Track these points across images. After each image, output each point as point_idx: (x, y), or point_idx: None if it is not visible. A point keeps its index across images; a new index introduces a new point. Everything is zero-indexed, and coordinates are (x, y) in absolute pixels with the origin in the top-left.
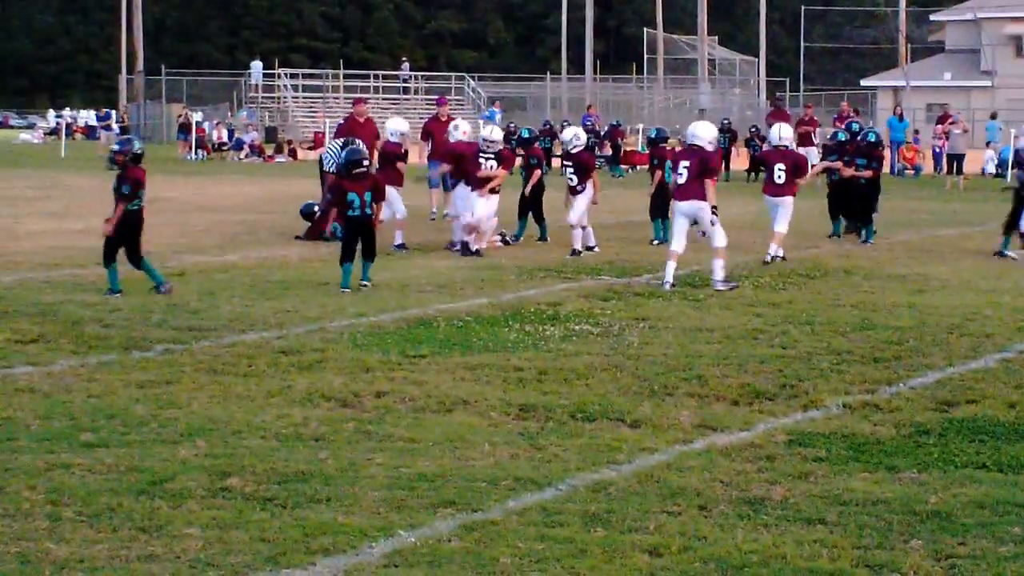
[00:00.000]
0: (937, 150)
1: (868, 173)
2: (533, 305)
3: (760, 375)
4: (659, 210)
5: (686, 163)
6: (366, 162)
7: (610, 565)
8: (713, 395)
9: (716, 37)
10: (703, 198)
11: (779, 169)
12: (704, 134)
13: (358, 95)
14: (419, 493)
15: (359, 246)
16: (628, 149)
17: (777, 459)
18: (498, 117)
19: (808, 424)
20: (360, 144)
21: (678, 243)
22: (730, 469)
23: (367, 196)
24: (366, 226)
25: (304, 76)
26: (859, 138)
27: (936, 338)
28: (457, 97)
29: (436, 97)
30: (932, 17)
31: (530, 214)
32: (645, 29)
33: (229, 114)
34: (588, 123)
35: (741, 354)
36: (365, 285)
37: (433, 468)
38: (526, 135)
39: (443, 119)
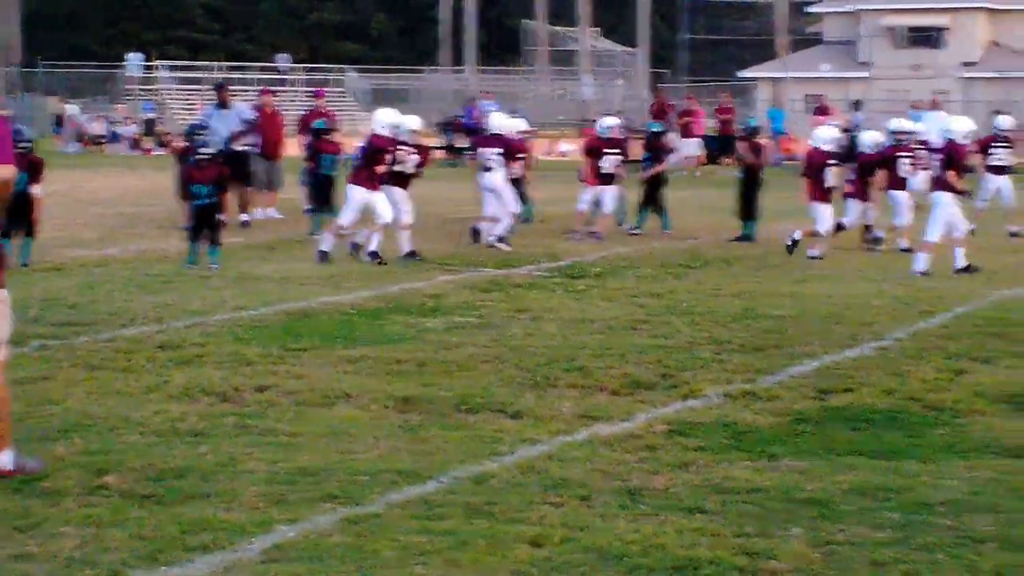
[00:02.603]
0: None
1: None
2: (416, 297)
3: (641, 365)
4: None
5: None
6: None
7: (492, 557)
8: (595, 386)
9: (599, 29)
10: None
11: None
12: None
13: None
14: (300, 487)
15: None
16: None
17: (658, 449)
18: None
19: (689, 414)
20: (210, 132)
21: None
22: (611, 459)
23: (212, 186)
24: (211, 213)
25: (183, 68)
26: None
27: (815, 327)
28: (339, 89)
29: (316, 89)
30: (810, 9)
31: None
32: (527, 21)
33: (117, 106)
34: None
35: (622, 344)
36: (214, 267)
37: (314, 462)
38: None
39: (323, 111)
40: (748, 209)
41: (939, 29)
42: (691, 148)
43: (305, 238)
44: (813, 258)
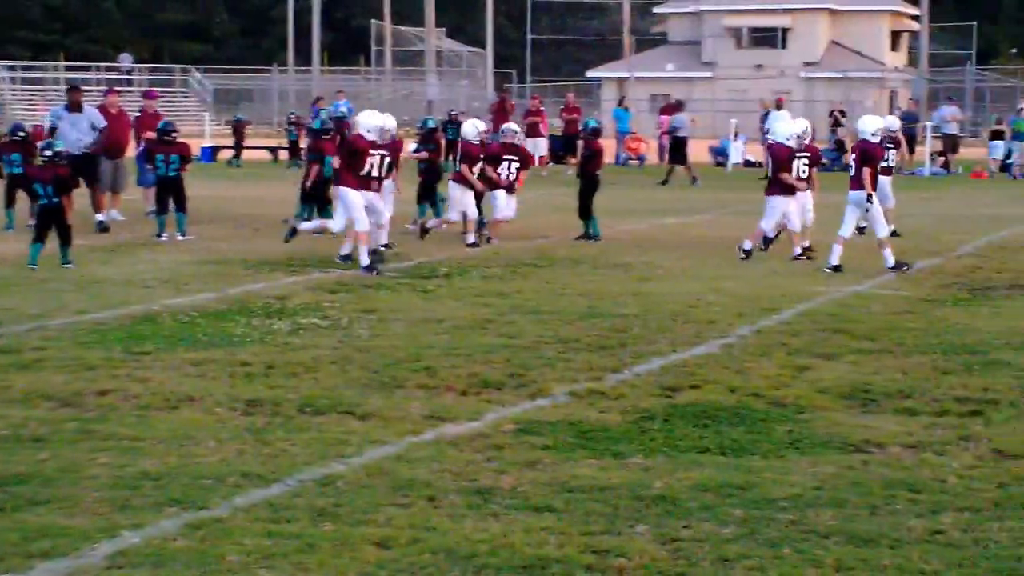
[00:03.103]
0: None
1: (423, 155)
2: (260, 299)
3: (488, 365)
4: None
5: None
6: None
7: (339, 559)
8: (442, 386)
9: (444, 29)
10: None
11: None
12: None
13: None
14: (143, 492)
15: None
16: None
17: (505, 448)
18: (343, 109)
19: (536, 413)
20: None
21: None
22: (459, 459)
23: (53, 187)
24: (56, 213)
25: (23, 68)
26: (419, 126)
27: (660, 325)
28: (182, 89)
29: (147, 90)
30: (655, 10)
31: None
32: (373, 21)
33: None
34: (317, 114)
35: (470, 344)
36: (67, 265)
37: (158, 466)
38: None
39: (150, 112)
40: (586, 208)
41: (781, 30)
42: (539, 148)
43: (149, 240)
44: (796, 258)
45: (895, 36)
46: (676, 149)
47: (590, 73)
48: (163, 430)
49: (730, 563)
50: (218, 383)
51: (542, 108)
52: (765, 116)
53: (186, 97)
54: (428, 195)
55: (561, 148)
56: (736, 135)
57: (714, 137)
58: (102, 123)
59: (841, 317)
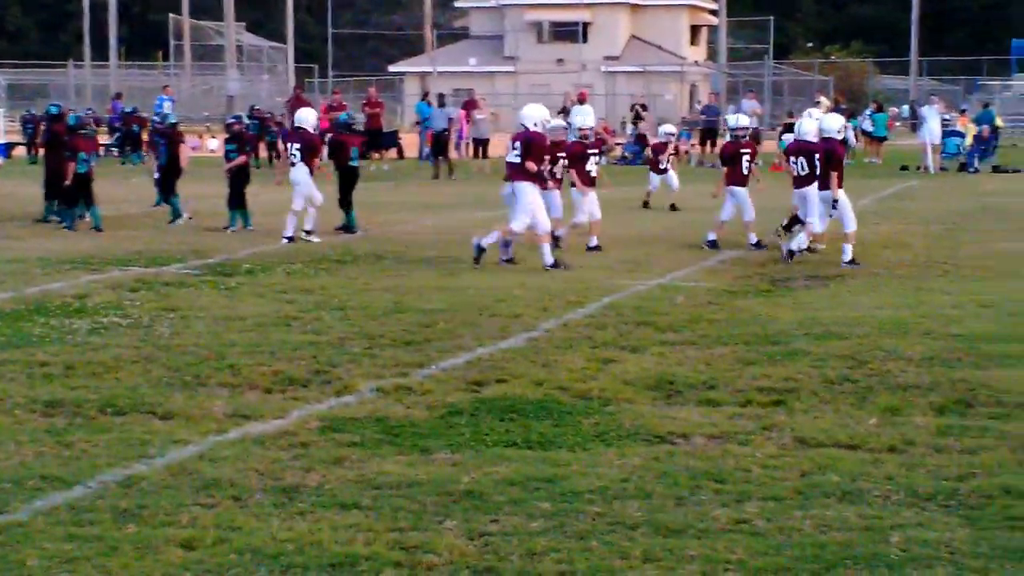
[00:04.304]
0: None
1: (241, 161)
2: (59, 298)
3: (293, 362)
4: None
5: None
6: None
7: (142, 562)
8: (246, 384)
9: (244, 24)
10: None
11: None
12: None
13: None
14: None
15: None
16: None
17: (311, 446)
18: (167, 106)
19: (342, 409)
20: None
21: None
22: (264, 458)
23: None
24: None
25: None
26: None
27: (466, 319)
28: None
29: None
30: (457, 4)
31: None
32: (170, 15)
33: None
34: (116, 109)
35: (274, 341)
36: None
37: None
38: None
39: None
40: (346, 200)
41: (582, 24)
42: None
43: None
44: (792, 252)
45: (694, 30)
46: (438, 144)
47: (392, 68)
48: None
49: (539, 556)
50: (16, 384)
51: (344, 103)
52: (567, 110)
53: None
54: (241, 200)
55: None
56: None
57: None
58: None
59: (645, 310)
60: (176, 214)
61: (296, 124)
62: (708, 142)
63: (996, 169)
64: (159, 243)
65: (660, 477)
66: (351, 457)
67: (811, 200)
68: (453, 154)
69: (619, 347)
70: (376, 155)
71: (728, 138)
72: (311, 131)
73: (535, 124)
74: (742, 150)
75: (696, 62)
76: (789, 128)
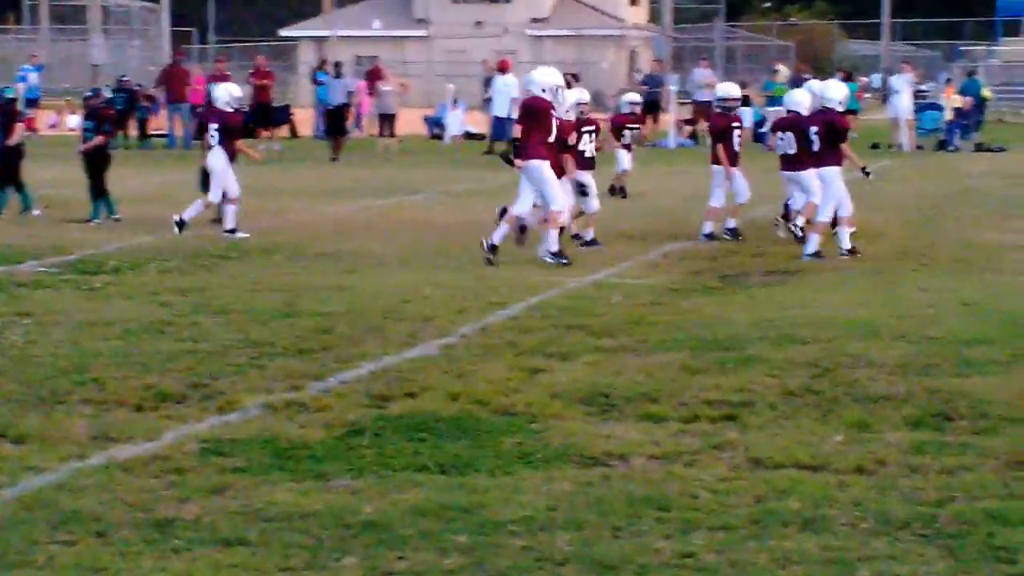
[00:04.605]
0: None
1: (99, 141)
2: None
3: (168, 375)
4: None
5: None
6: None
7: None
8: (113, 400)
9: None
10: None
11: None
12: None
13: None
14: None
15: None
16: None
17: (189, 472)
18: (32, 76)
19: (225, 429)
20: None
21: None
22: (134, 486)
23: None
24: None
25: None
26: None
27: (369, 324)
28: None
29: None
30: None
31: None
32: None
33: None
34: None
35: (145, 351)
36: None
37: None
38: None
39: None
40: (98, 189)
41: None
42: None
43: None
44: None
45: None
46: (336, 120)
47: (284, 32)
48: None
49: None
50: None
51: (227, 73)
52: (488, 81)
53: None
54: (102, 186)
55: (253, 120)
56: (455, 102)
57: (429, 106)
58: None
59: (577, 311)
60: (26, 204)
61: (211, 101)
62: (651, 117)
63: (979, 148)
64: (10, 237)
65: (594, 505)
66: (235, 485)
67: (809, 184)
68: (355, 133)
69: (547, 355)
70: (266, 133)
71: (717, 110)
72: (228, 110)
73: (543, 90)
74: (733, 123)
75: (636, 25)
76: (745, 101)
